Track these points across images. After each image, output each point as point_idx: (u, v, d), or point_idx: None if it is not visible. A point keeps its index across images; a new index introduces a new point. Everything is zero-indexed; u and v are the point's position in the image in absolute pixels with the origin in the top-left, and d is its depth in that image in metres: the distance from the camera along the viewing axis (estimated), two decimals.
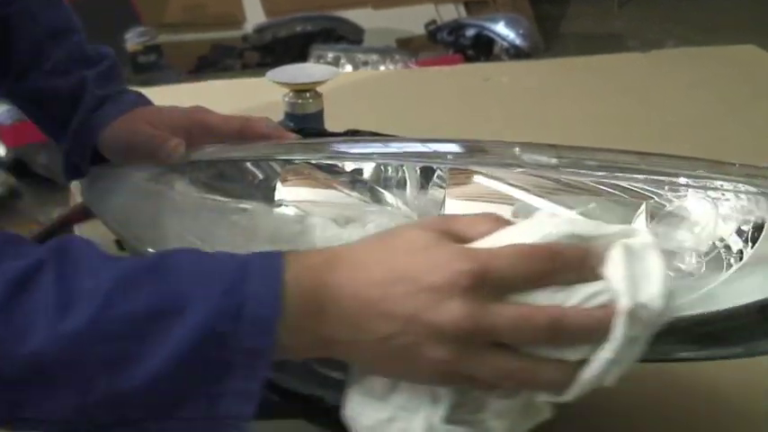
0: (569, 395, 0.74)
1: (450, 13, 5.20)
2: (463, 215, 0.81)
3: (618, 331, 0.72)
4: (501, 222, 0.77)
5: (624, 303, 0.72)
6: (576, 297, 0.74)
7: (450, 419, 0.77)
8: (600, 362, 0.73)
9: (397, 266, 0.74)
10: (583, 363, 0.74)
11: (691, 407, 1.08)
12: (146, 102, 1.24)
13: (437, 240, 0.75)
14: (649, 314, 0.73)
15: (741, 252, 0.85)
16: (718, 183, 0.89)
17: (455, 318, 0.71)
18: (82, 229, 1.40)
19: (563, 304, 0.73)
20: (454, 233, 0.76)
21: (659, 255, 0.75)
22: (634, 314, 0.72)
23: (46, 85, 1.24)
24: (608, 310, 0.72)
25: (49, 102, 1.24)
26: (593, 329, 0.72)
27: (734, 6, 6.32)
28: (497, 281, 0.72)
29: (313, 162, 1.06)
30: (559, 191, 0.93)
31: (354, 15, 4.91)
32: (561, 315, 0.72)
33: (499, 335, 0.72)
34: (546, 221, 0.78)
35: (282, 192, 1.05)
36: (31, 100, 1.27)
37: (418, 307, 0.72)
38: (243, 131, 1.14)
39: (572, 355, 0.74)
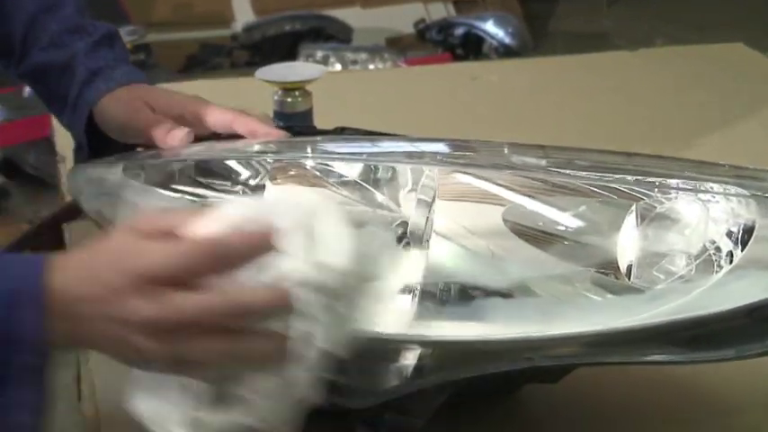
0: (294, 364, 0.82)
1: (439, 11, 5.20)
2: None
3: (299, 293, 0.80)
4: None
5: (298, 267, 0.81)
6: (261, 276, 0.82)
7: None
8: (297, 328, 0.81)
9: (94, 268, 0.84)
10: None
11: (687, 410, 1.08)
12: (140, 77, 1.24)
13: (126, 238, 0.85)
14: (332, 272, 0.81)
15: (731, 254, 0.85)
16: (708, 185, 0.89)
17: (137, 312, 0.80)
18: (71, 228, 1.40)
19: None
20: (158, 229, 0.85)
21: (338, 218, 0.84)
22: (312, 275, 0.81)
23: (43, 60, 1.24)
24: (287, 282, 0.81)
25: (47, 76, 1.25)
26: (274, 299, 0.81)
27: (722, 5, 6.32)
28: (167, 278, 0.81)
29: (302, 161, 1.06)
30: (549, 192, 0.93)
31: (343, 14, 4.90)
32: (238, 295, 0.82)
33: (190, 322, 0.81)
34: (226, 210, 0.87)
35: (272, 190, 1.04)
36: (34, 78, 1.28)
37: (111, 305, 0.81)
38: (234, 124, 1.15)
39: (275, 327, 0.82)
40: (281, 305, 0.81)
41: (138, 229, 0.85)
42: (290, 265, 0.81)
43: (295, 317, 0.81)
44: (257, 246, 0.82)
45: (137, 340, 0.81)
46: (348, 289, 0.82)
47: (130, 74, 1.24)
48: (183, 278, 0.81)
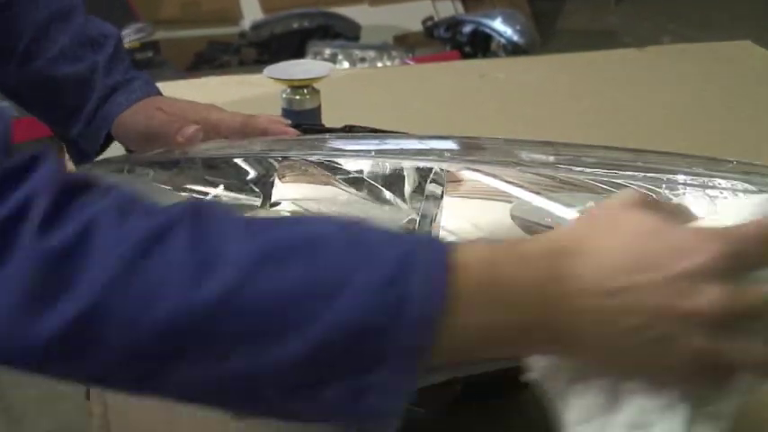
0: None
1: (447, 9, 5.20)
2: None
3: None
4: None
5: None
6: None
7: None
8: None
9: (643, 250, 0.71)
10: None
11: None
12: (154, 88, 1.27)
13: (664, 222, 0.72)
14: None
15: None
16: (716, 181, 0.89)
17: (715, 301, 0.68)
18: None
19: None
20: (668, 214, 0.75)
21: None
22: None
23: (53, 72, 1.24)
24: None
25: (56, 89, 1.25)
26: None
27: (729, 3, 6.32)
28: (748, 260, 0.71)
29: (310, 159, 1.06)
30: (558, 188, 0.93)
31: (351, 12, 4.91)
32: None
33: (756, 315, 0.70)
34: (748, 202, 0.78)
35: (280, 188, 1.05)
36: (34, 86, 1.27)
37: (671, 295, 0.69)
38: (245, 128, 1.16)
39: None
40: None
41: (649, 207, 0.74)
42: None
43: None
44: None
45: (686, 339, 0.69)
46: None
47: (146, 85, 1.27)
48: (758, 263, 0.71)
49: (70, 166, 1.32)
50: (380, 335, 0.66)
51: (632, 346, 0.70)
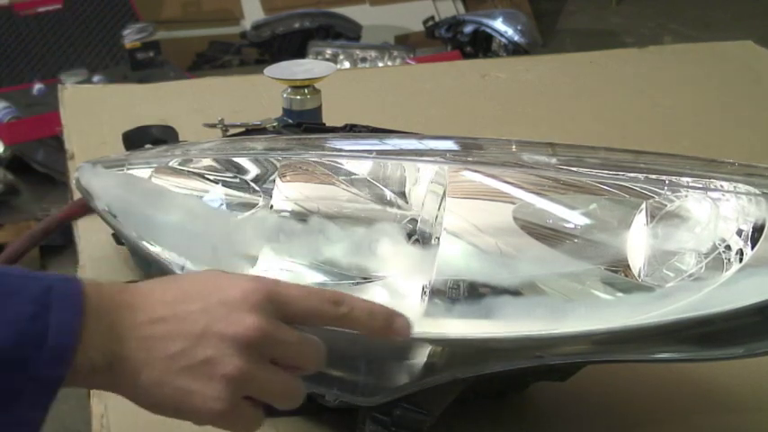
0: None
1: (448, 9, 5.20)
2: None
3: None
4: None
5: None
6: None
7: None
8: None
9: (187, 287, 0.80)
10: None
11: (696, 407, 1.08)
12: None
13: (225, 272, 0.83)
14: None
15: (741, 252, 0.85)
16: (718, 183, 0.88)
17: (246, 327, 0.77)
18: (81, 225, 1.40)
19: None
20: None
21: None
22: None
23: None
24: None
25: None
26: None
27: (730, 2, 6.31)
28: (285, 304, 0.79)
29: (311, 159, 1.06)
30: (559, 189, 0.93)
31: (352, 12, 4.91)
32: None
33: (284, 351, 0.79)
34: None
35: (281, 188, 1.05)
36: None
37: (209, 321, 0.77)
38: None
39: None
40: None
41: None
42: None
43: None
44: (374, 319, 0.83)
45: (222, 361, 0.76)
46: None
47: None
48: (298, 312, 0.81)
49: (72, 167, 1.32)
50: (22, 367, 0.72)
51: (174, 371, 0.77)
